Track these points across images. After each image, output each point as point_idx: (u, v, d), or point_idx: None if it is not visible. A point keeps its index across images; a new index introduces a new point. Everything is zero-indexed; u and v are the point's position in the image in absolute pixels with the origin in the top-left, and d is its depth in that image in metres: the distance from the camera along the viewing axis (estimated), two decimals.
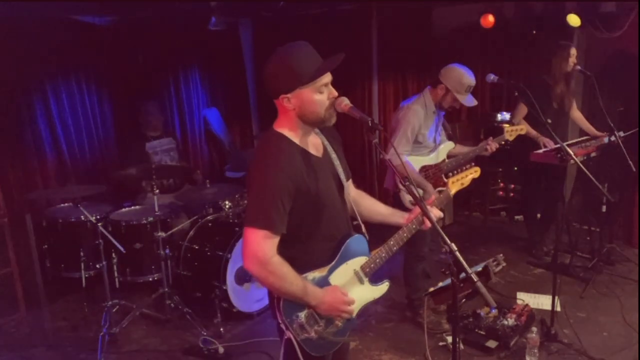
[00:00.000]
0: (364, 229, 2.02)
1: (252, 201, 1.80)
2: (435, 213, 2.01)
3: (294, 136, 1.82)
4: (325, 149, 1.94)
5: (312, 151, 1.86)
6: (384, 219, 2.14)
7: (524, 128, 3.58)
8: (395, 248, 1.99)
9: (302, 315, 1.81)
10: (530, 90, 3.32)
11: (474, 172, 2.32)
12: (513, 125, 3.63)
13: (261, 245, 1.71)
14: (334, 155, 1.95)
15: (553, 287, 3.25)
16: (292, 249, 1.81)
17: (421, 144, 3.36)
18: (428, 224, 1.97)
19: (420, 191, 3.26)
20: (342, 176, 1.95)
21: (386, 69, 5.59)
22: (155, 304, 3.86)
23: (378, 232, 2.14)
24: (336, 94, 1.81)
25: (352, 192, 2.12)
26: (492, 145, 3.45)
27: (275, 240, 1.74)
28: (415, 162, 3.39)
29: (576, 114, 4.50)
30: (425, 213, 1.81)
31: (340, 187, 1.95)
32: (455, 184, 2.26)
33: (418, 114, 3.29)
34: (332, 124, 1.87)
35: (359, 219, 2.05)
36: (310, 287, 1.79)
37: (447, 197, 2.24)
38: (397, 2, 5.49)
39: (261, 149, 1.83)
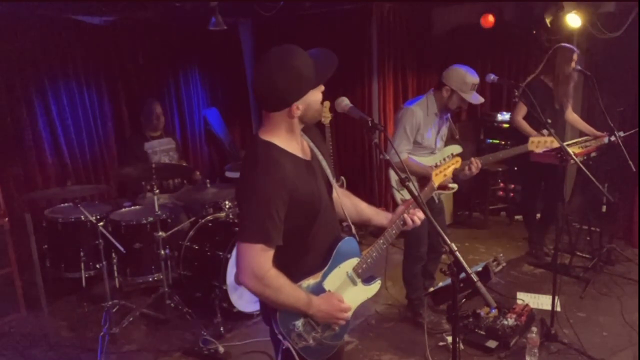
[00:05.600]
0: (354, 230, 1.99)
1: (245, 214, 1.72)
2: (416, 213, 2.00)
3: (282, 142, 1.76)
4: (312, 151, 1.91)
5: (301, 155, 1.82)
6: (368, 220, 2.13)
7: (553, 140, 3.27)
8: (385, 246, 1.99)
9: (299, 324, 1.79)
10: (530, 91, 3.31)
11: (455, 163, 2.35)
12: (542, 135, 3.41)
13: (257, 260, 1.67)
14: (321, 157, 1.92)
15: (553, 287, 3.25)
16: (286, 257, 1.76)
17: (420, 144, 3.36)
18: (410, 222, 1.98)
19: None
20: (331, 177, 1.93)
21: (386, 69, 5.58)
22: (155, 304, 3.86)
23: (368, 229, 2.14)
24: (323, 87, 1.78)
25: (338, 191, 2.10)
26: (474, 165, 3.21)
27: (271, 253, 1.69)
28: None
29: (571, 116, 4.49)
30: (423, 211, 1.81)
31: (330, 189, 1.93)
32: (439, 176, 2.28)
33: (416, 115, 3.29)
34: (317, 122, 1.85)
35: (349, 220, 2.02)
36: (307, 297, 1.77)
37: (431, 188, 2.25)
38: (397, 2, 5.49)
39: (250, 159, 1.74)
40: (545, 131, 3.47)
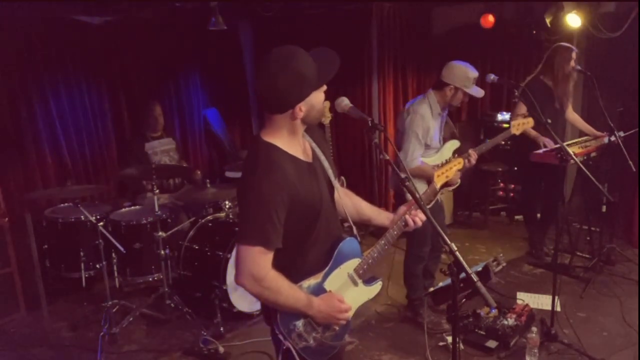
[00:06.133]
0: (355, 231, 1.99)
1: (245, 216, 1.71)
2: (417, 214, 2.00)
3: (284, 144, 1.75)
4: (314, 152, 1.90)
5: (303, 157, 1.81)
6: (368, 219, 2.13)
7: (530, 121, 3.42)
8: (386, 247, 1.98)
9: (300, 324, 1.78)
10: (530, 91, 3.32)
11: (457, 164, 2.32)
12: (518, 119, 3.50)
13: (257, 262, 1.66)
14: (323, 157, 1.91)
15: (553, 287, 3.25)
16: (287, 258, 1.76)
17: (429, 146, 3.38)
18: (411, 223, 1.98)
19: (421, 190, 3.27)
20: (333, 178, 1.92)
21: (386, 69, 5.58)
22: (155, 304, 3.86)
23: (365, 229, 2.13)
24: (325, 87, 1.79)
25: (339, 192, 2.10)
26: (472, 157, 3.23)
27: (271, 255, 1.69)
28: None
29: (571, 116, 4.49)
30: (424, 212, 1.81)
31: (332, 190, 1.92)
32: (441, 177, 2.26)
33: (425, 118, 3.30)
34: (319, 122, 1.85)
35: (350, 220, 2.02)
36: (306, 297, 1.77)
37: (434, 190, 2.23)
38: (397, 2, 5.49)
39: (251, 161, 1.73)
40: (524, 112, 3.50)
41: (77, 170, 4.77)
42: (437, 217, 3.38)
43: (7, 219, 3.82)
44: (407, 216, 1.99)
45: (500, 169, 5.60)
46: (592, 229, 4.53)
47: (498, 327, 3.33)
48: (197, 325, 3.63)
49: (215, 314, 3.60)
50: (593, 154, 4.22)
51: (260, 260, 1.67)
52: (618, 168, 4.37)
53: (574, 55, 4.12)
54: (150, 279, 4.10)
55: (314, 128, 1.93)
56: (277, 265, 1.72)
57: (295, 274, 1.78)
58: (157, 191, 3.74)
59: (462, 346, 3.28)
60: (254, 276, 1.67)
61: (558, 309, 3.47)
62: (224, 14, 4.45)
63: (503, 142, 5.59)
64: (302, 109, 1.71)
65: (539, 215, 4.74)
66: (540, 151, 4.11)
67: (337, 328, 1.88)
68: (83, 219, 3.87)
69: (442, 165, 2.30)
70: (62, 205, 4.29)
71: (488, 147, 3.43)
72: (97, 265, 3.98)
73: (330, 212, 1.89)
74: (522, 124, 3.42)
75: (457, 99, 3.34)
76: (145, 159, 4.59)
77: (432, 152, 3.43)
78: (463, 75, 3.26)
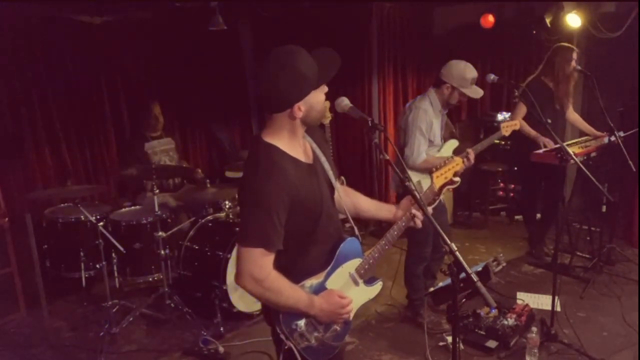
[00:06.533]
0: (356, 231, 1.99)
1: (246, 218, 1.71)
2: (417, 215, 2.00)
3: (284, 145, 1.75)
4: (314, 152, 1.90)
5: (303, 158, 1.81)
6: (371, 215, 2.14)
7: (517, 123, 3.56)
8: (387, 247, 1.98)
9: (302, 323, 1.78)
10: (530, 91, 3.33)
11: (456, 165, 2.32)
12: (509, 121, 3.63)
13: (258, 264, 1.67)
14: (323, 158, 1.92)
15: (553, 287, 3.25)
16: (288, 258, 1.77)
17: (432, 142, 3.39)
18: (419, 223, 1.98)
19: (426, 185, 3.28)
20: (333, 179, 1.92)
21: (386, 69, 5.58)
22: (155, 304, 3.86)
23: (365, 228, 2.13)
24: (326, 88, 1.79)
25: (340, 192, 2.10)
26: (471, 156, 3.26)
27: (272, 257, 1.69)
28: None
29: (572, 116, 4.50)
30: (423, 211, 1.81)
31: (332, 190, 1.93)
32: (440, 178, 2.25)
33: (428, 113, 3.32)
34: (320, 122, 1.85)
35: (352, 221, 2.02)
36: (308, 297, 1.77)
37: (433, 191, 2.23)
38: (397, 2, 5.49)
39: (252, 162, 1.73)
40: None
41: (77, 170, 4.77)
42: (441, 218, 3.39)
43: (7, 219, 3.82)
44: (416, 219, 1.99)
45: (500, 169, 5.60)
46: (592, 229, 4.54)
47: (498, 327, 3.33)
48: (197, 325, 3.63)
49: (215, 314, 3.60)
50: (593, 154, 4.22)
51: (261, 261, 1.67)
52: (618, 168, 4.37)
53: (574, 55, 4.12)
54: (150, 279, 4.10)
55: (314, 128, 1.93)
56: (278, 265, 1.72)
57: (296, 274, 1.78)
58: (157, 191, 3.73)
59: (462, 346, 3.28)
60: (254, 277, 1.67)
61: (558, 309, 3.47)
62: (223, 14, 4.44)
63: (503, 142, 5.64)
64: (301, 108, 1.71)
65: (539, 215, 4.74)
66: (540, 151, 4.11)
67: (338, 328, 1.88)
68: (83, 219, 3.87)
69: (441, 165, 2.30)
70: (62, 205, 4.29)
71: (483, 146, 3.45)
72: (97, 265, 3.98)
73: (331, 213, 1.89)
74: (511, 126, 3.51)
75: (454, 98, 3.34)
76: (145, 159, 4.59)
77: (435, 151, 3.43)
78: (460, 75, 3.26)
